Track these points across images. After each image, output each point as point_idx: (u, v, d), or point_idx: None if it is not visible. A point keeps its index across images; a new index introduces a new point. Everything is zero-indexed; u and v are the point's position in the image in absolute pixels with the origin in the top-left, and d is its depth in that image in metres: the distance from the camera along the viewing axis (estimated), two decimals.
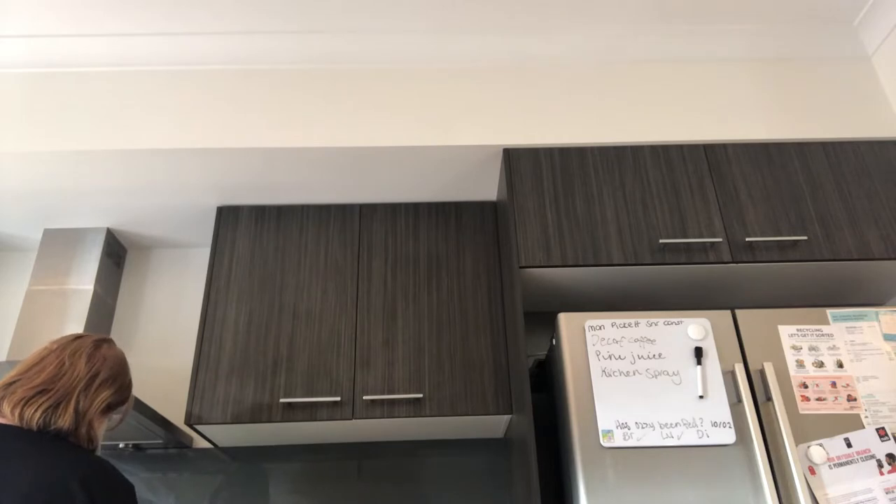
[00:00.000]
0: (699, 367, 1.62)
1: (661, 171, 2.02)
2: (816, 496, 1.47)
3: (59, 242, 2.33)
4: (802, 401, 1.59)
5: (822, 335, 1.67)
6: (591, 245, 1.90)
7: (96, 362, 1.30)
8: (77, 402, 1.23)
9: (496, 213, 2.28)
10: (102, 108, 2.08)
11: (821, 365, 1.64)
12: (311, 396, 1.96)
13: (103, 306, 2.32)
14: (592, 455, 1.53)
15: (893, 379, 1.62)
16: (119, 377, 1.34)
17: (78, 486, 1.10)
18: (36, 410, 1.19)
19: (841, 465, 1.51)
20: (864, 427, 1.56)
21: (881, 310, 1.70)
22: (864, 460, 1.51)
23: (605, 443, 1.54)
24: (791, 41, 2.23)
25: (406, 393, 1.96)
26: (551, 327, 1.76)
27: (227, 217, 2.26)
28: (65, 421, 1.21)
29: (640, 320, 1.69)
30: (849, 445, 1.53)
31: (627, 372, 1.63)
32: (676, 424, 1.56)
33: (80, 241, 2.34)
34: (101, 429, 1.31)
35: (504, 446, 2.22)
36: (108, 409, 1.31)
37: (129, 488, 1.21)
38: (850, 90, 2.18)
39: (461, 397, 1.97)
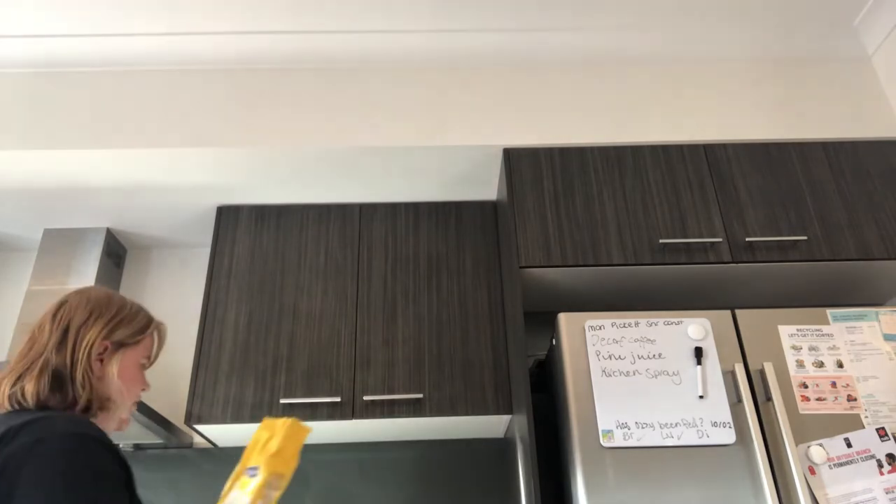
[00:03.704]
0: (699, 367, 1.62)
1: (661, 171, 2.02)
2: (816, 496, 1.47)
3: (59, 242, 2.33)
4: (802, 401, 1.59)
5: (822, 335, 1.67)
6: (591, 245, 1.90)
7: (62, 315, 1.17)
8: (47, 363, 1.13)
9: (496, 213, 2.28)
10: (102, 108, 2.08)
11: (821, 365, 1.64)
12: (311, 396, 1.96)
13: None
14: (592, 455, 1.53)
15: (893, 379, 1.61)
16: (104, 311, 1.18)
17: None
18: (4, 389, 1.11)
19: (841, 465, 1.51)
20: (864, 427, 1.56)
21: (881, 310, 1.70)
22: (864, 460, 1.51)
23: (605, 443, 1.54)
24: (791, 41, 2.23)
25: (406, 393, 1.96)
26: (551, 327, 1.76)
27: (227, 217, 2.25)
28: (33, 387, 1.10)
29: (640, 320, 1.69)
30: (849, 445, 1.53)
31: (627, 372, 1.62)
32: (676, 424, 1.56)
33: (80, 241, 2.34)
34: (113, 369, 1.16)
35: (504, 446, 2.22)
36: (118, 347, 1.17)
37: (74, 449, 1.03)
38: (850, 90, 2.18)
39: (461, 397, 1.97)
